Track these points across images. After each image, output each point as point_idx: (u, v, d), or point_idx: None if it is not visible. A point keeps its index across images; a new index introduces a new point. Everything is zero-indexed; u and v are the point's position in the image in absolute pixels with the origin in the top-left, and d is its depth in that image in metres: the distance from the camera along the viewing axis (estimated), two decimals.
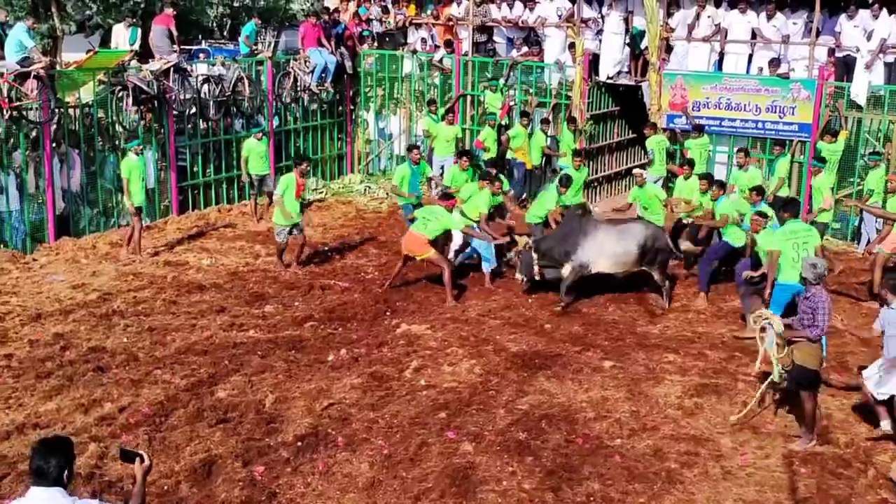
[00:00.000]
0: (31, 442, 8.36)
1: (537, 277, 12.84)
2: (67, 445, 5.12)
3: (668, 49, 17.69)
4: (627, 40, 18.28)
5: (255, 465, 8.26)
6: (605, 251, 12.60)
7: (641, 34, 17.90)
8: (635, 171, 14.80)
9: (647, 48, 17.65)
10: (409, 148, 15.22)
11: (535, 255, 12.69)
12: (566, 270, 12.62)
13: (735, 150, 15.54)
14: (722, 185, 13.40)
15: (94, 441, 8.55)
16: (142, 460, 5.39)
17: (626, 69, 18.52)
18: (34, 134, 14.62)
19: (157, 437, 8.72)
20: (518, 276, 12.96)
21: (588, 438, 8.88)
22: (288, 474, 8.15)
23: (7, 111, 13.93)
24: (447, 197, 13.51)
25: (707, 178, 13.70)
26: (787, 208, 11.29)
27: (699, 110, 17.11)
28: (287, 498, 7.80)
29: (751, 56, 17.25)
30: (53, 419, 9.01)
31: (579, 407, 9.59)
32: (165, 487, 7.86)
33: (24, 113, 14.27)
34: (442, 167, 17.24)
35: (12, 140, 14.36)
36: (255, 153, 16.71)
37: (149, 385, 9.88)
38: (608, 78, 18.40)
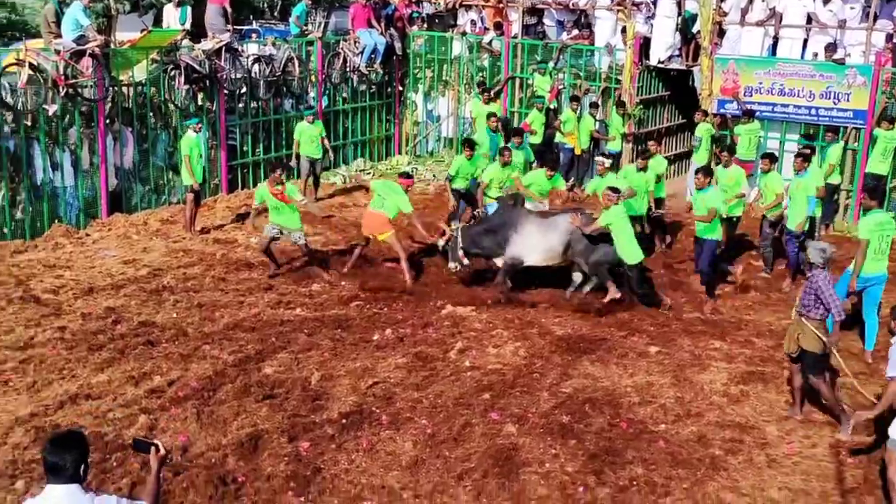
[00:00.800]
0: (69, 423, 8.60)
1: (465, 262, 12.44)
2: (82, 440, 4.91)
3: (721, 33, 17.46)
4: (679, 24, 18.07)
5: (300, 440, 8.36)
6: (534, 245, 12.18)
7: (694, 18, 17.71)
8: (597, 158, 14.22)
9: (699, 32, 17.45)
10: (467, 143, 14.72)
11: (459, 241, 12.33)
12: (500, 262, 12.34)
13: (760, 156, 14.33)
14: (710, 173, 12.64)
15: (143, 413, 8.71)
16: (157, 450, 5.14)
17: (677, 53, 18.32)
18: (89, 111, 14.84)
19: (204, 410, 8.85)
20: (450, 265, 12.50)
21: (632, 423, 8.86)
22: (332, 451, 8.25)
23: (63, 88, 14.16)
24: (406, 176, 13.25)
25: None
26: (873, 196, 11.08)
27: (751, 96, 16.89)
28: (331, 474, 7.88)
29: (805, 41, 16.98)
30: (105, 391, 9.19)
31: (623, 391, 9.57)
32: (213, 460, 7.99)
33: (80, 90, 14.48)
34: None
35: (68, 117, 14.59)
36: (306, 136, 16.64)
37: (197, 360, 10.03)
38: (659, 62, 18.22)
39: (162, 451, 5.15)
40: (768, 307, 12.30)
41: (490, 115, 16.38)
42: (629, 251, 11.67)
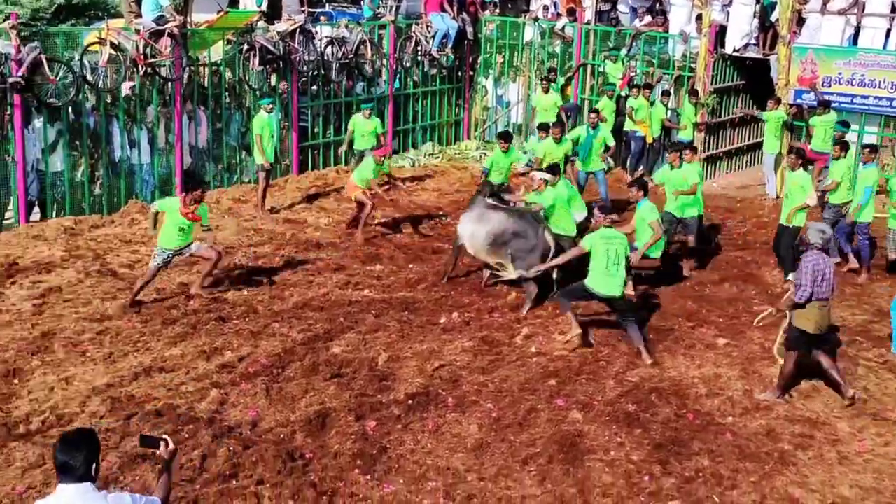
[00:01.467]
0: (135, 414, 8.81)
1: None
2: (92, 438, 4.77)
3: (800, 22, 17.09)
4: (757, 12, 17.74)
5: (367, 419, 8.46)
6: (468, 231, 11.80)
7: (772, 6, 17.39)
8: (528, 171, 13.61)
9: (777, 20, 17.11)
10: (502, 135, 14.43)
11: None
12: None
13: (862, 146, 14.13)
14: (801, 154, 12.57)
15: (215, 387, 8.90)
16: (166, 445, 4.99)
17: (753, 42, 18.00)
18: (166, 90, 15.14)
19: (274, 387, 9.01)
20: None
21: (699, 414, 8.79)
22: (398, 431, 8.33)
23: (142, 67, 14.45)
24: (378, 147, 14.39)
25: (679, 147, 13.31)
26: None
27: (829, 86, 16.52)
28: (397, 453, 7.97)
29: (889, 31, 16.53)
30: (178, 364, 9.40)
31: (691, 382, 9.49)
32: (281, 436, 8.13)
33: (158, 69, 14.76)
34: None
35: (146, 95, 14.89)
36: (359, 129, 16.04)
37: (267, 337, 10.20)
38: (735, 50, 17.92)
39: (171, 446, 5.01)
40: (842, 302, 12.04)
41: (594, 111, 15.81)
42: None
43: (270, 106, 14.96)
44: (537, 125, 15.67)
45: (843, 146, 13.21)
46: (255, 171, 15.36)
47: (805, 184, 12.25)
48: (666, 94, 17.69)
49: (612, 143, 15.34)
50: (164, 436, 5.06)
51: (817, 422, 8.75)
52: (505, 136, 14.32)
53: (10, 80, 12.87)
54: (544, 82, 17.82)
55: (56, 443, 4.72)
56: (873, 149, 13.19)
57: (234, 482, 7.40)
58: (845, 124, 14.83)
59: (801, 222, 11.96)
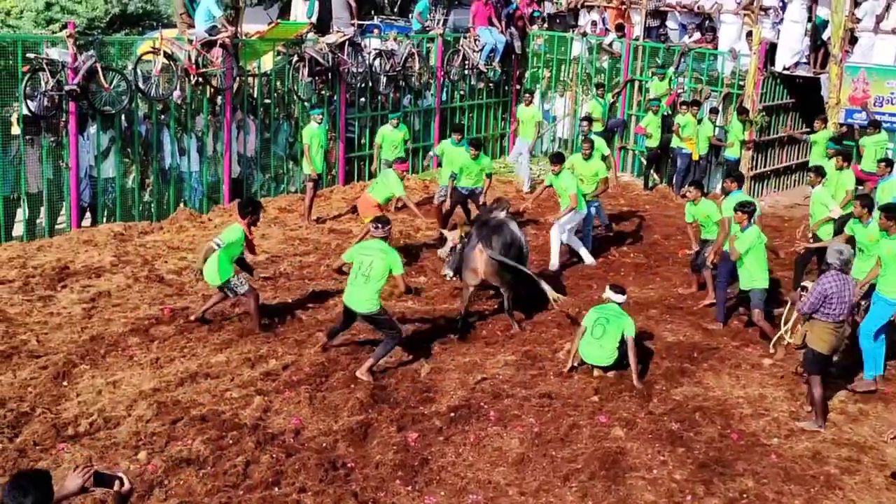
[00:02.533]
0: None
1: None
2: (45, 480, 4.29)
3: (853, 40, 16.92)
4: (809, 30, 17.58)
5: (408, 431, 8.48)
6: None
7: (824, 24, 17.22)
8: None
9: (829, 39, 16.95)
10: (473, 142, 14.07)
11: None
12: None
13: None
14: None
15: (259, 394, 8.98)
16: (121, 483, 4.56)
17: (804, 60, 17.84)
18: (215, 100, 15.34)
19: (317, 395, 9.06)
20: (446, 271, 11.64)
21: (743, 435, 8.70)
22: (440, 443, 8.34)
23: (194, 77, 14.66)
24: (401, 161, 13.68)
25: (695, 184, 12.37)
26: None
27: (881, 106, 16.33)
28: (438, 465, 7.98)
29: None
30: (223, 370, 9.50)
31: (735, 402, 9.40)
32: (324, 445, 8.18)
33: (209, 79, 14.97)
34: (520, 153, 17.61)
35: (195, 104, 15.11)
36: (388, 141, 15.72)
37: (311, 346, 10.26)
38: (785, 68, 17.77)
39: (127, 486, 4.56)
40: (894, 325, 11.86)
41: (585, 119, 15.72)
42: None
43: (320, 116, 15.09)
44: (469, 140, 14.63)
45: (889, 163, 13.19)
46: (303, 180, 15.50)
47: (825, 200, 12.17)
48: (714, 111, 17.58)
49: (606, 151, 14.70)
50: (121, 474, 4.65)
51: (865, 446, 8.62)
52: (475, 144, 13.85)
53: (67, 87, 13.12)
54: (527, 94, 17.96)
55: (6, 482, 4.31)
56: (889, 163, 13.28)
57: (277, 489, 7.46)
58: (837, 141, 14.75)
59: (827, 236, 11.87)
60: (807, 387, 9.18)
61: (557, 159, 12.99)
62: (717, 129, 17.59)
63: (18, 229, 13.38)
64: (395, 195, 13.37)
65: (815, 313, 8.79)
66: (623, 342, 9.63)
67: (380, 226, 9.88)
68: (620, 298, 9.97)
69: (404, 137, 16.09)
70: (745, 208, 10.73)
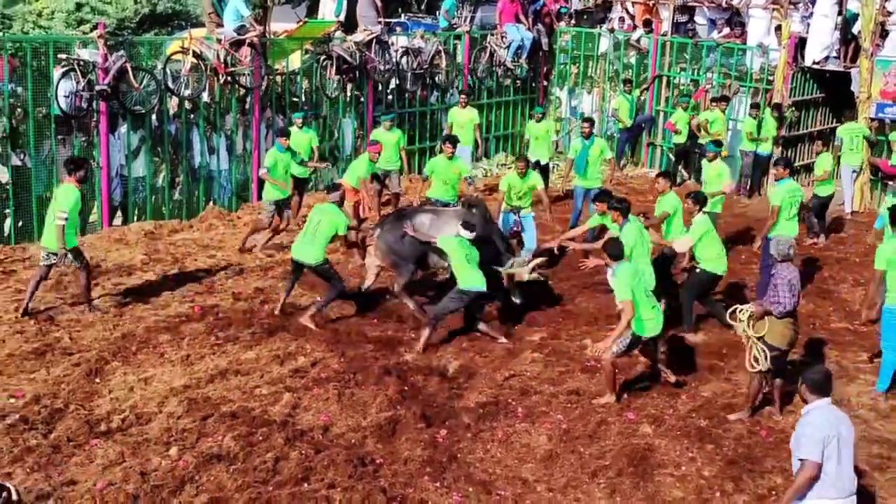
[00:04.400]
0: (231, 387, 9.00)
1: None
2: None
3: (884, 34, 16.73)
4: (839, 24, 17.41)
5: (437, 427, 8.52)
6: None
7: (854, 17, 17.05)
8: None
9: (859, 32, 16.78)
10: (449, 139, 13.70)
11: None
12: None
13: None
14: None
15: (288, 391, 9.05)
16: (9, 497, 4.35)
17: (834, 54, 17.67)
18: (244, 99, 15.45)
19: (345, 392, 9.11)
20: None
21: (772, 431, 8.67)
22: (468, 439, 8.37)
23: (223, 76, 14.77)
24: (373, 143, 13.83)
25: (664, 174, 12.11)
26: None
27: None
28: (467, 461, 8.01)
29: None
30: (252, 367, 9.58)
31: (764, 398, 9.34)
32: (353, 441, 8.24)
33: (237, 78, 15.08)
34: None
35: (224, 103, 15.23)
36: (385, 144, 14.43)
37: (339, 342, 10.32)
38: (814, 63, 17.62)
39: (15, 498, 4.36)
40: None
41: (586, 121, 15.11)
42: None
43: (301, 121, 14.48)
44: (444, 137, 14.63)
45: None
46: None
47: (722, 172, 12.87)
48: (755, 106, 17.24)
49: (609, 154, 14.87)
50: (9, 484, 4.43)
51: (895, 443, 8.55)
52: (451, 140, 13.44)
53: (98, 87, 13.28)
54: (462, 96, 16.77)
55: None
56: None
57: (306, 485, 7.52)
58: (718, 144, 14.34)
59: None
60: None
61: (452, 140, 13.36)
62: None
63: None
64: (360, 177, 13.27)
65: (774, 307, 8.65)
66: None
67: (332, 191, 11.27)
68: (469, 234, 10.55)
69: (398, 142, 14.95)
70: (698, 198, 10.84)
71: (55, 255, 10.58)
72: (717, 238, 10.90)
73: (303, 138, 14.39)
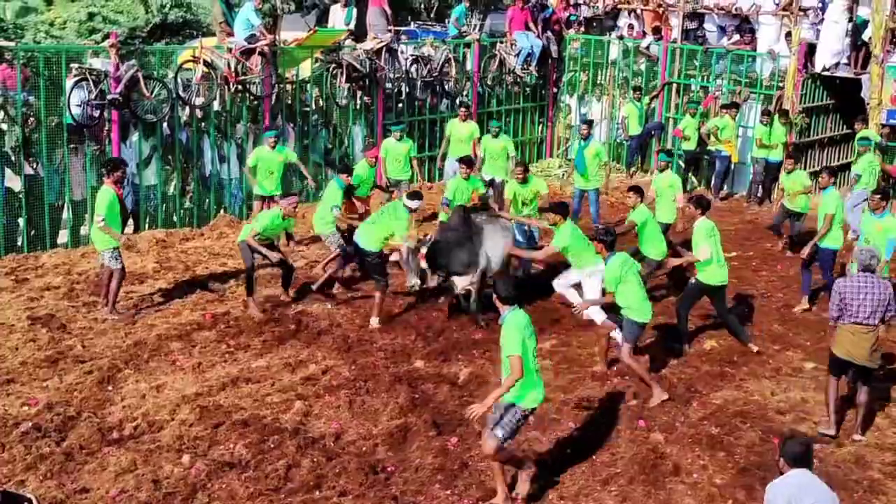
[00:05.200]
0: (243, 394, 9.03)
1: (431, 283, 11.28)
2: None
3: (894, 40, 16.69)
4: (849, 30, 17.38)
5: (448, 435, 8.53)
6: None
7: (865, 24, 17.02)
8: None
9: (870, 39, 16.76)
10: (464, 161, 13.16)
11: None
12: (464, 282, 11.28)
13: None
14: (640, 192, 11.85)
15: (299, 399, 9.07)
16: None
17: (845, 61, 17.64)
18: (255, 107, 15.50)
19: (356, 400, 9.14)
20: (412, 281, 11.17)
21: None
22: (479, 447, 8.34)
23: (233, 84, 14.83)
24: (372, 146, 13.91)
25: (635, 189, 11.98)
26: None
27: None
28: (478, 469, 8.02)
29: None
30: (263, 375, 9.61)
31: (776, 406, 9.35)
32: (364, 449, 8.25)
33: (248, 87, 15.14)
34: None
35: (236, 112, 15.28)
36: (392, 155, 14.39)
37: (350, 350, 10.34)
38: (825, 69, 17.59)
39: None
40: None
41: (585, 122, 15.28)
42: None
43: (273, 140, 13.72)
44: (458, 158, 13.67)
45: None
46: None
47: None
48: (766, 113, 17.19)
49: (605, 158, 14.69)
50: (30, 494, 4.27)
51: None
52: (467, 162, 13.07)
53: (110, 96, 13.36)
54: (462, 109, 15.85)
55: None
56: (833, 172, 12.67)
57: (318, 493, 7.54)
58: (669, 153, 14.18)
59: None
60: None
61: (468, 163, 12.99)
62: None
63: (63, 236, 13.61)
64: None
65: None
66: None
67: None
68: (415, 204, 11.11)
69: (409, 152, 14.69)
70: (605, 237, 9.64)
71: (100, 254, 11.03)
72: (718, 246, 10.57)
73: (274, 157, 13.82)
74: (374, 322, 11.10)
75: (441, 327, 11.13)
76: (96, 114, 13.42)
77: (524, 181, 12.62)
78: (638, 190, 11.91)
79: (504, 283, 7.65)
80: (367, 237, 11.18)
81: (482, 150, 14.96)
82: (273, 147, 13.70)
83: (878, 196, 10.93)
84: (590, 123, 15.22)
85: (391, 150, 14.39)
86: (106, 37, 15.48)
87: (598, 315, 10.47)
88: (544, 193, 12.89)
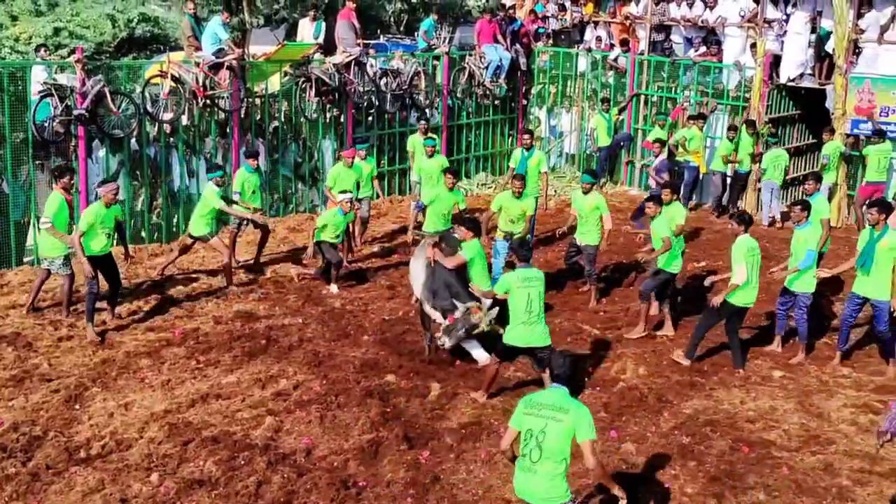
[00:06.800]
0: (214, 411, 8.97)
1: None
2: None
3: (857, 51, 16.93)
4: (812, 41, 17.61)
5: (419, 448, 8.50)
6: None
7: (828, 35, 17.23)
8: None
9: (833, 50, 16.98)
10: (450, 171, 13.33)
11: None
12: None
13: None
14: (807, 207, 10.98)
15: (270, 414, 9.01)
16: None
17: (809, 71, 17.86)
18: (223, 122, 15.43)
19: (327, 415, 9.09)
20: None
21: (754, 447, 8.69)
22: (451, 460, 8.36)
23: (201, 99, 14.76)
24: (351, 148, 14.14)
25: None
26: None
27: (887, 115, 16.32)
28: (450, 483, 8.00)
29: None
30: (233, 391, 9.54)
31: (746, 415, 9.40)
32: (335, 464, 8.21)
33: (217, 101, 15.08)
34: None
35: (204, 126, 15.21)
36: (358, 172, 14.20)
37: (321, 365, 10.29)
38: (790, 80, 17.79)
39: None
40: None
41: (527, 132, 15.41)
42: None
43: (221, 179, 12.98)
44: (444, 169, 13.89)
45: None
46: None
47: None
48: (733, 129, 17.33)
49: (544, 168, 14.40)
50: None
51: (877, 457, 8.58)
52: (454, 172, 13.22)
53: (76, 112, 13.25)
54: (422, 123, 16.03)
55: None
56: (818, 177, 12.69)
57: None
58: (592, 174, 13.38)
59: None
60: None
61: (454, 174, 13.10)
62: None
63: (29, 253, 13.46)
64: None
65: None
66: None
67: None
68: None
69: (371, 171, 14.69)
70: (743, 219, 10.36)
71: (48, 260, 11.23)
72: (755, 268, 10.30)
73: (364, 168, 14.25)
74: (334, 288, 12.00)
75: (413, 341, 11.09)
76: (62, 129, 13.30)
77: (519, 196, 12.39)
78: (657, 199, 11.49)
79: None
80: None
81: (416, 172, 14.80)
82: (220, 186, 12.93)
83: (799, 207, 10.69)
84: (531, 133, 15.37)
85: (356, 167, 14.08)
86: (72, 52, 15.33)
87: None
88: (529, 216, 12.69)
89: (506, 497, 7.78)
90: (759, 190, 17.18)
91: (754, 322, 11.81)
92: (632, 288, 13.10)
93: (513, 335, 9.17)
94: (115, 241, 11.29)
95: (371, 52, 18.65)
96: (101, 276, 11.02)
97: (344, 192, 13.20)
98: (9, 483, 7.64)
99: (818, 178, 12.66)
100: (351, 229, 13.97)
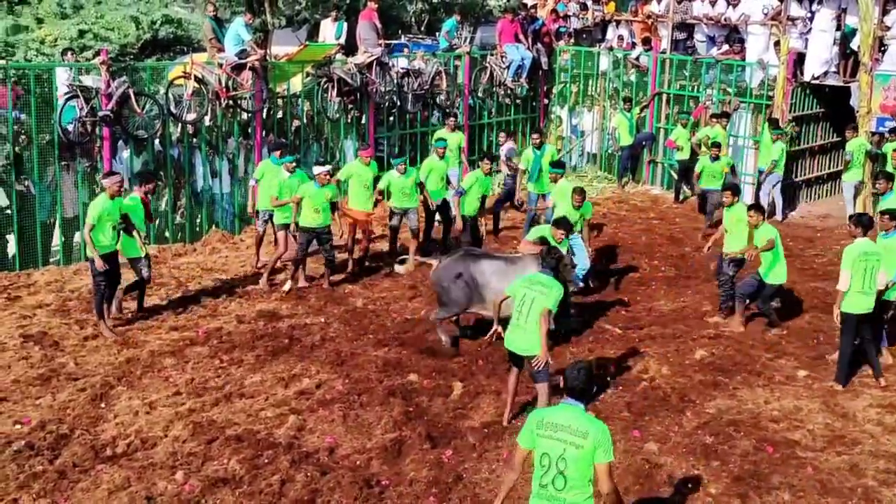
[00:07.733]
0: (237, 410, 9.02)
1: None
2: None
3: (882, 48, 16.80)
4: (837, 39, 17.48)
5: (442, 448, 8.51)
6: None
7: (853, 33, 17.11)
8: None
9: (858, 47, 16.84)
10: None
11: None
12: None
13: None
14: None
15: (293, 413, 9.05)
16: None
17: (833, 69, 17.74)
18: (246, 122, 15.51)
19: (350, 414, 9.11)
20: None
21: (779, 447, 8.64)
22: (474, 459, 8.37)
23: (224, 100, 14.85)
24: (365, 147, 14.13)
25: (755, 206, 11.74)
26: None
27: None
28: (472, 482, 8.00)
29: None
30: (257, 390, 9.59)
31: (770, 415, 9.34)
32: (358, 463, 8.23)
33: (239, 102, 15.16)
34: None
35: (227, 127, 15.30)
36: (397, 187, 13.72)
37: (344, 364, 10.33)
38: (814, 78, 17.68)
39: None
40: None
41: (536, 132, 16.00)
42: None
43: (293, 164, 13.14)
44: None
45: (889, 178, 12.62)
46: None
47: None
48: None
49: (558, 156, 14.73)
50: None
51: None
52: (490, 156, 14.69)
53: (100, 113, 13.37)
54: (451, 119, 16.41)
55: None
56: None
57: None
58: (559, 164, 13.56)
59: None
60: None
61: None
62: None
63: (55, 254, 13.59)
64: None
65: None
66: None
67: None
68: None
69: (416, 181, 13.89)
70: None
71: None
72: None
73: (407, 182, 13.79)
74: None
75: (435, 341, 11.09)
76: (87, 131, 13.42)
77: (580, 206, 12.32)
78: (758, 208, 11.52)
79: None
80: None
81: (385, 183, 13.87)
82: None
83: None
84: (540, 133, 16.08)
85: (394, 182, 13.66)
86: (97, 54, 15.47)
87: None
88: (588, 219, 12.67)
89: (528, 495, 7.75)
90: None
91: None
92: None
93: (506, 337, 8.97)
94: (119, 236, 11.17)
95: (405, 51, 18.66)
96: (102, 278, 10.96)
97: (320, 163, 13.26)
98: (36, 481, 7.72)
99: (889, 176, 12.51)
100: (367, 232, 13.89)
